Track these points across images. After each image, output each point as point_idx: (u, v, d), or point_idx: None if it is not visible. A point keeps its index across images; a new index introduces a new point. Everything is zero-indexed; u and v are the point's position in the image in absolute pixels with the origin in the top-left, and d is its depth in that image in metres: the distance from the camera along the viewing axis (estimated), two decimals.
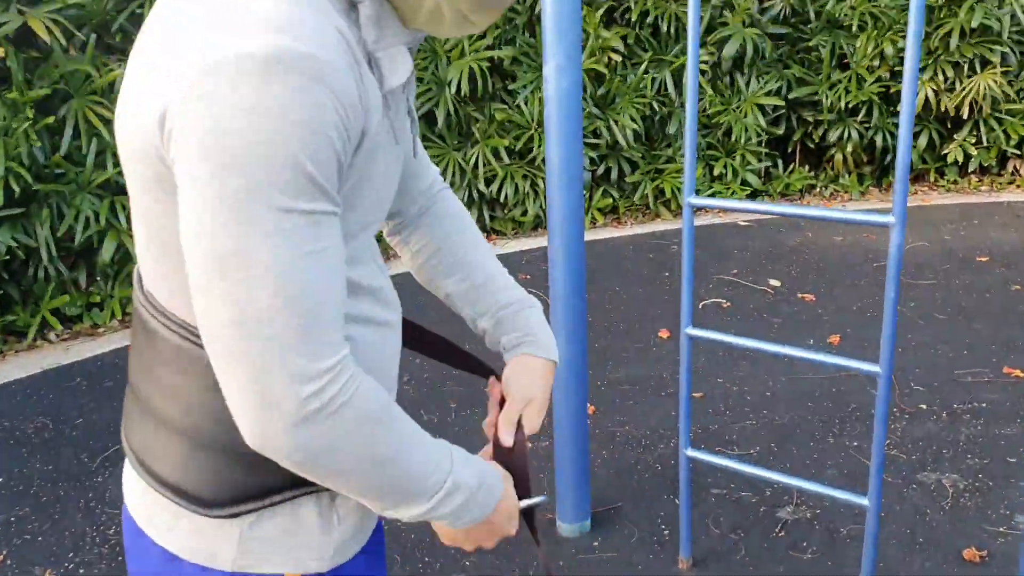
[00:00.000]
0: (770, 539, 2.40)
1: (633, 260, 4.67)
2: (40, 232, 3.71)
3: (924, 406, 3.09)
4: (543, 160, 5.00)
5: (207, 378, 0.85)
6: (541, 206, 5.04)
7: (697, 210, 5.42)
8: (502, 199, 5.05)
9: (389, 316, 0.95)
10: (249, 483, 0.87)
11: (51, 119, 3.68)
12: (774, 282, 4.30)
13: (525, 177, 5.06)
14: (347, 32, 0.78)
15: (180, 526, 0.90)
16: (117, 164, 3.88)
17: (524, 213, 5.10)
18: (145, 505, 0.93)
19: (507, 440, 1.03)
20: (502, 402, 1.07)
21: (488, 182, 5.04)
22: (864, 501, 1.96)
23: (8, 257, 3.71)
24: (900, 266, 1.81)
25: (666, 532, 2.44)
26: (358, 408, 0.79)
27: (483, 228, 5.12)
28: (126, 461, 0.98)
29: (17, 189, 3.60)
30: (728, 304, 4.05)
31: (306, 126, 0.72)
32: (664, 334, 3.74)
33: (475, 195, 5.03)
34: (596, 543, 2.41)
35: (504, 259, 4.72)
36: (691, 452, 2.18)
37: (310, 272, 0.75)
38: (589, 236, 5.04)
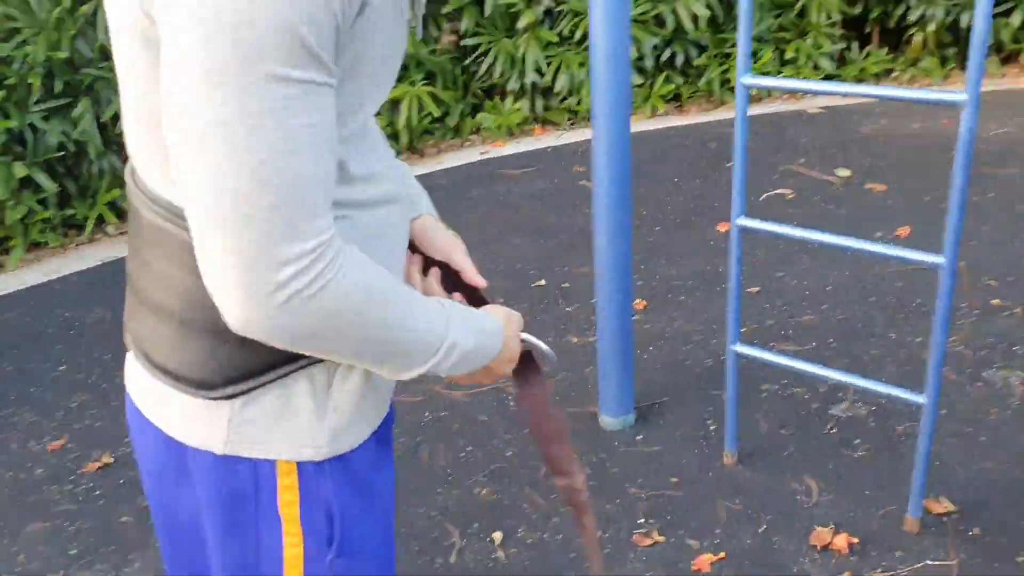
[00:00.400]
0: (820, 436, 2.33)
1: (694, 150, 4.48)
2: (86, 125, 3.71)
3: (997, 301, 2.93)
4: None
5: (194, 263, 0.81)
6: None
7: (758, 98, 5.16)
8: (555, 88, 4.87)
9: (387, 190, 0.89)
10: (242, 362, 0.85)
11: (83, 9, 3.62)
12: (843, 172, 4.09)
13: (582, 65, 4.86)
14: None
15: (173, 409, 0.90)
16: None
17: (580, 102, 4.92)
18: (143, 390, 0.94)
19: (480, 280, 1.03)
20: (424, 269, 1.04)
21: (541, 72, 4.85)
22: (921, 399, 1.86)
23: (63, 152, 3.74)
24: (971, 149, 1.65)
25: (712, 427, 2.39)
26: (341, 290, 0.76)
27: (535, 119, 4.97)
28: (129, 353, 0.96)
29: (60, 82, 3.59)
30: (793, 195, 3.87)
31: None
32: (723, 227, 3.60)
33: (527, 85, 4.85)
34: (640, 437, 2.37)
35: (557, 151, 4.59)
36: (739, 347, 2.10)
37: (295, 148, 0.70)
38: (648, 125, 4.85)
